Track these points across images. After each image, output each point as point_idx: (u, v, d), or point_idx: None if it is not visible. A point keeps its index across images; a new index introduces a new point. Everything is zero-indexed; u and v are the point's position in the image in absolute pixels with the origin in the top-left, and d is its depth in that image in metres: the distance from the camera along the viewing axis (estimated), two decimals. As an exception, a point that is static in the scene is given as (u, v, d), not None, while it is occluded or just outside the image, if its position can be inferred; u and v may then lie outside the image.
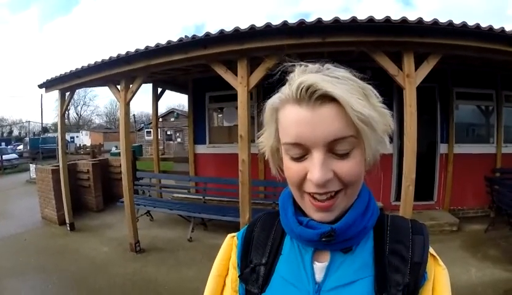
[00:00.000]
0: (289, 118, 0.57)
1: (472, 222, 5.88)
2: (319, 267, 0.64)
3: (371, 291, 0.59)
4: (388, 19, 3.42)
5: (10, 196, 10.46)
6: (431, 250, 0.63)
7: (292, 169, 0.58)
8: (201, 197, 6.63)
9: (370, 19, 3.43)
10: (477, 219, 6.02)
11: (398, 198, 5.34)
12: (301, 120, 0.54)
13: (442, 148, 6.35)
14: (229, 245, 0.78)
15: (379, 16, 3.48)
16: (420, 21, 3.42)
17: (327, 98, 0.52)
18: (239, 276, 0.71)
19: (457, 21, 3.52)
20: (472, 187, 6.23)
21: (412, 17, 3.46)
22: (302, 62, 0.60)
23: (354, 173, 0.56)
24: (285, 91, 0.57)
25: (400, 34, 3.52)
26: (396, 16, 3.47)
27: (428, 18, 3.47)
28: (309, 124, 0.54)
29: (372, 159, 0.61)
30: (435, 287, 0.61)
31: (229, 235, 0.79)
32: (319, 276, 0.63)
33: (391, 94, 6.05)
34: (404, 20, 3.42)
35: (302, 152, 0.56)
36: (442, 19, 3.48)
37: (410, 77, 3.56)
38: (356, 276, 0.61)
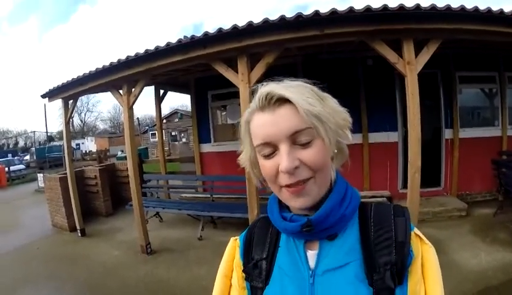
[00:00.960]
0: (256, 124, 0.67)
1: (480, 207, 5.85)
2: (311, 255, 0.70)
3: (361, 273, 0.64)
4: (385, 8, 3.39)
5: (20, 207, 10.55)
6: (416, 230, 0.68)
7: (265, 166, 0.67)
8: (209, 196, 6.66)
9: (367, 9, 3.40)
10: (486, 203, 5.99)
11: (405, 185, 5.34)
12: (265, 122, 0.65)
13: (447, 133, 6.31)
14: (233, 247, 0.85)
15: (376, 4, 3.46)
16: (417, 7, 3.39)
17: (283, 100, 0.63)
18: (243, 271, 0.78)
19: (455, 4, 3.49)
20: (479, 171, 6.19)
21: (410, 3, 3.44)
22: (264, 82, 0.69)
23: (317, 159, 0.64)
24: (252, 105, 0.68)
25: (399, 22, 3.49)
26: (394, 3, 3.44)
27: (426, 3, 3.45)
28: (271, 123, 0.64)
29: (336, 150, 0.69)
30: (424, 264, 0.66)
31: (232, 238, 0.87)
32: (312, 263, 0.70)
33: (393, 82, 6.04)
34: (402, 7, 3.39)
35: (271, 149, 0.65)
36: (440, 4, 3.45)
37: (411, 64, 3.54)
38: (345, 260, 0.66)
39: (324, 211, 0.66)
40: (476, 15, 3.53)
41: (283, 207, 0.74)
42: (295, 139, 0.63)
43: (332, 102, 0.68)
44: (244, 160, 0.75)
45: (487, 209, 5.66)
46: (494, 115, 6.57)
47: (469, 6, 3.50)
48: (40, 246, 6.17)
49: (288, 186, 0.65)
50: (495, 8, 3.60)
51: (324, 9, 3.52)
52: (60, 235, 6.79)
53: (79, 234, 6.44)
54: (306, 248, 0.71)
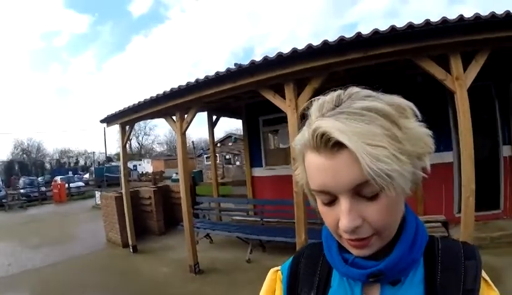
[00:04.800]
0: (311, 165, 0.55)
1: (545, 230, 5.34)
2: None
3: None
4: (427, 23, 3.31)
5: (77, 221, 11.49)
6: (484, 274, 0.59)
7: (325, 213, 0.58)
8: (259, 219, 6.71)
9: (410, 26, 3.34)
10: (551, 226, 5.46)
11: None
12: (322, 168, 0.53)
13: (505, 150, 5.90)
14: (273, 280, 0.75)
15: (420, 19, 3.39)
16: (460, 18, 3.26)
17: (342, 144, 0.49)
18: None
19: (500, 10, 3.27)
20: (542, 190, 5.68)
21: (460, 13, 3.26)
22: (321, 96, 0.59)
23: (384, 218, 0.54)
24: (305, 135, 0.55)
25: (443, 36, 3.36)
26: (440, 15, 3.30)
27: (469, 14, 3.28)
28: (329, 172, 0.52)
29: (411, 187, 0.57)
30: None
31: (272, 269, 0.77)
32: None
33: (445, 99, 5.78)
34: (444, 20, 3.28)
35: (330, 197, 0.55)
36: (484, 13, 3.28)
37: (460, 80, 3.37)
38: None
39: (395, 258, 0.57)
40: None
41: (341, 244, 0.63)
42: (359, 190, 0.52)
43: (415, 124, 0.55)
44: (300, 177, 0.63)
45: (553, 233, 5.16)
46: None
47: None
48: (93, 258, 6.68)
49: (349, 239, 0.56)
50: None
51: (370, 27, 3.51)
52: (113, 250, 7.24)
53: (131, 250, 6.79)
54: (364, 292, 0.62)
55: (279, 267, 0.76)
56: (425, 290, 0.58)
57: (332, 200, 0.55)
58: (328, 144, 0.50)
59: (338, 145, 0.50)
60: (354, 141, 0.48)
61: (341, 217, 0.53)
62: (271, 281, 0.75)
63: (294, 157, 0.63)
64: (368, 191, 0.51)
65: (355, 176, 0.50)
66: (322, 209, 0.58)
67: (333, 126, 0.50)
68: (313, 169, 0.54)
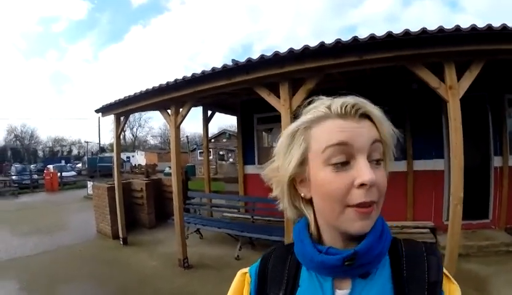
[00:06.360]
0: (333, 127, 0.61)
1: (530, 241, 5.41)
2: None
3: None
4: (424, 31, 3.33)
5: (68, 210, 11.46)
6: (444, 270, 0.64)
7: (335, 181, 0.59)
8: (249, 217, 6.75)
9: (406, 33, 3.36)
10: (537, 238, 5.52)
11: (451, 216, 5.09)
12: (348, 128, 0.60)
13: (496, 161, 5.93)
14: (241, 282, 0.76)
15: (417, 27, 3.40)
16: (457, 28, 3.28)
17: (365, 116, 0.61)
18: None
19: (498, 23, 3.30)
20: (530, 202, 5.72)
21: (458, 22, 3.29)
22: (322, 97, 0.67)
23: (385, 184, 0.61)
24: (320, 110, 0.63)
25: (438, 45, 3.39)
26: (441, 23, 3.34)
27: (466, 25, 3.29)
28: (354, 130, 0.59)
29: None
30: None
31: (241, 271, 0.78)
32: None
33: (439, 107, 5.80)
34: (441, 30, 3.31)
35: (345, 157, 0.59)
36: (481, 24, 3.31)
37: (453, 89, 3.40)
38: None
39: (368, 243, 0.60)
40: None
41: (312, 238, 0.67)
42: (370, 154, 0.59)
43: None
44: (271, 176, 0.72)
45: (538, 245, 5.22)
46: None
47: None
48: (82, 249, 6.66)
49: (359, 206, 0.58)
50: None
51: (369, 31, 3.55)
52: (103, 241, 7.24)
53: (121, 242, 6.80)
54: (335, 287, 0.63)
55: (247, 269, 0.77)
56: (393, 282, 0.62)
57: (344, 161, 0.59)
58: (357, 113, 0.61)
59: (363, 116, 0.61)
60: (377, 112, 0.63)
61: (361, 173, 0.57)
62: (239, 283, 0.76)
63: (275, 154, 0.70)
64: (377, 153, 0.61)
65: (374, 135, 0.61)
66: (331, 177, 0.59)
67: (360, 101, 0.62)
68: (336, 128, 0.60)
